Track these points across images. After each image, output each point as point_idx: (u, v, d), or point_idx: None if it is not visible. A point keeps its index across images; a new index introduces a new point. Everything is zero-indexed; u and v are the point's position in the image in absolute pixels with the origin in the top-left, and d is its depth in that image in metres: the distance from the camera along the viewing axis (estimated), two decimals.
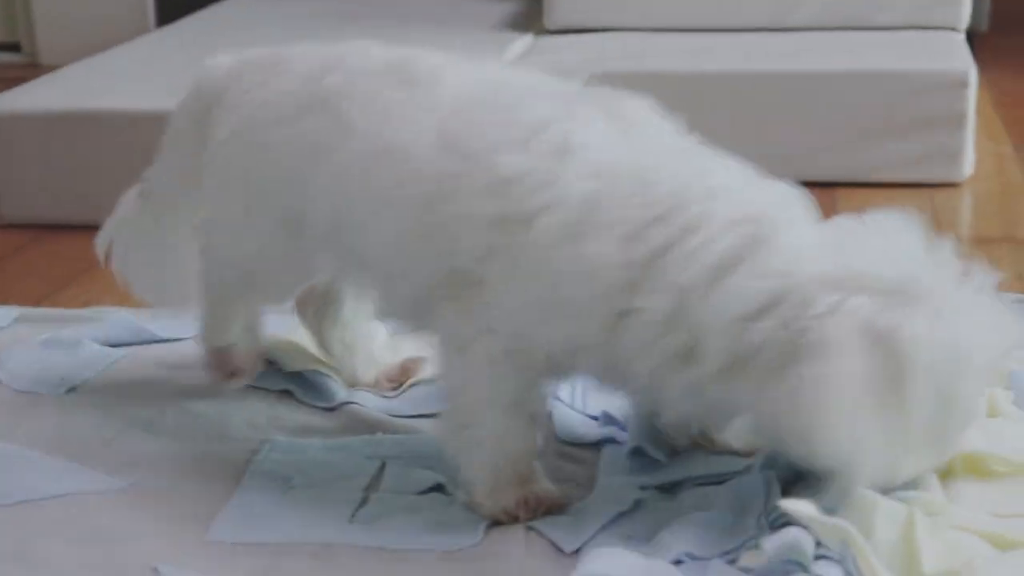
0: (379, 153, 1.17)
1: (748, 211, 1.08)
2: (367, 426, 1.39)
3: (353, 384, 1.46)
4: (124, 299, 1.76)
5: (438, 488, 1.23)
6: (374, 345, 1.49)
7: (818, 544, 1.00)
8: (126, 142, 2.05)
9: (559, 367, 1.19)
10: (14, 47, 3.32)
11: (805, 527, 1.03)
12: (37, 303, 1.80)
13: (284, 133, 1.25)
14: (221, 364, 1.41)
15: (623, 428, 1.32)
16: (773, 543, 1.01)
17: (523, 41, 2.57)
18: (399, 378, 1.47)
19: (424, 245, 1.15)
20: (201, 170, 1.36)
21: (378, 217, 1.18)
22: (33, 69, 2.80)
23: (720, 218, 1.07)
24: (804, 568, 0.97)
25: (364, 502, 1.21)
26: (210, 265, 1.40)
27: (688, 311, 1.05)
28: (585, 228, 1.07)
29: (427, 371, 1.48)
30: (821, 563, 0.97)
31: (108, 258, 1.46)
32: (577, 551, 1.09)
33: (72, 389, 1.49)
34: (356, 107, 1.21)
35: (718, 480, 1.21)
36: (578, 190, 1.08)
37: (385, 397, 1.46)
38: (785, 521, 1.06)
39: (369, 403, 1.44)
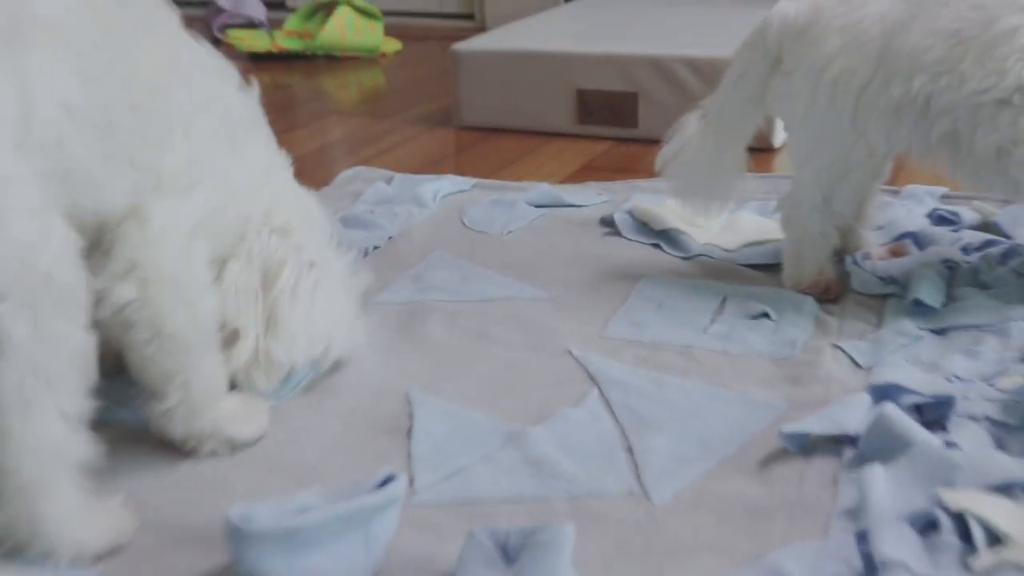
0: None
1: None
2: (716, 271, 1.58)
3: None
4: (546, 177, 2.13)
5: (765, 315, 1.41)
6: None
7: None
8: (542, 75, 2.40)
9: None
10: (470, 16, 3.81)
11: None
12: (486, 176, 2.06)
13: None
14: (820, 292, 1.47)
15: (905, 283, 1.45)
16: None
17: None
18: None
19: None
20: (763, 98, 1.47)
21: None
22: (482, 31, 3.23)
23: None
24: None
25: (713, 322, 1.40)
26: (797, 210, 1.47)
27: None
28: None
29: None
30: None
31: (665, 164, 1.57)
32: (870, 368, 1.26)
33: (509, 232, 1.77)
34: None
35: (979, 326, 1.33)
36: None
37: (725, 250, 1.64)
38: None
39: (715, 254, 1.63)
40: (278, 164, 1.30)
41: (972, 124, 1.31)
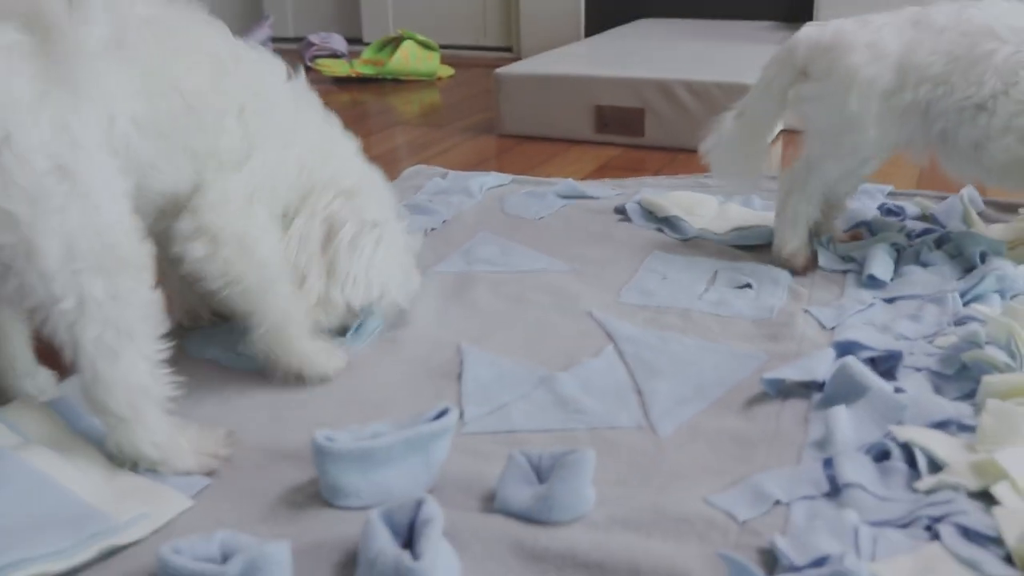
0: None
1: None
2: (709, 250, 1.57)
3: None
4: (570, 174, 2.13)
5: (748, 285, 1.42)
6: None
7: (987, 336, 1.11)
8: (567, 93, 2.39)
9: None
10: (508, 48, 3.79)
11: (982, 322, 1.16)
12: (522, 173, 2.07)
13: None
14: (797, 265, 1.47)
15: (861, 261, 1.45)
16: (958, 331, 1.16)
17: None
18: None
19: None
20: (785, 101, 1.48)
21: None
22: (518, 59, 3.22)
23: None
24: (979, 346, 1.10)
25: (706, 290, 1.40)
26: (801, 195, 1.47)
27: None
28: None
29: None
30: (990, 347, 1.09)
31: (707, 151, 1.56)
32: (833, 328, 1.26)
33: (541, 218, 1.75)
34: None
35: (921, 296, 1.33)
36: None
37: (716, 234, 1.62)
38: (969, 317, 1.22)
39: (708, 237, 1.62)
40: (341, 140, 1.29)
41: (957, 124, 1.39)
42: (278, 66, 1.20)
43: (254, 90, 1.12)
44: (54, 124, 0.85)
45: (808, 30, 1.48)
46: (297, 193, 1.20)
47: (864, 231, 1.60)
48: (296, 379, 1.15)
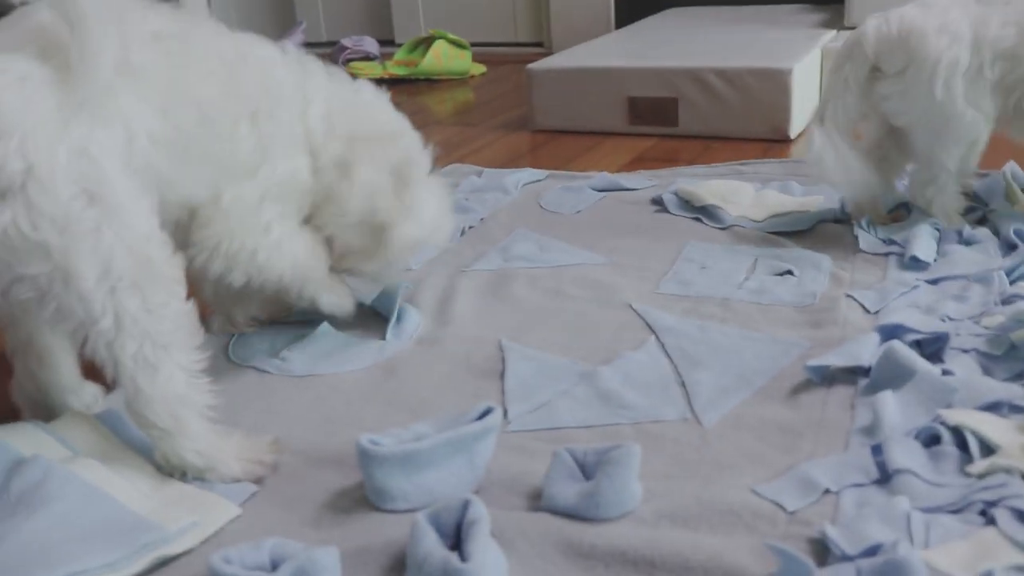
0: None
1: None
2: (748, 238, 1.55)
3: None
4: (605, 167, 2.13)
5: (789, 272, 1.39)
6: None
7: None
8: (599, 86, 2.38)
9: None
10: (539, 44, 3.78)
11: None
12: (557, 168, 2.06)
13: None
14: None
15: (903, 244, 1.43)
16: (1006, 311, 1.16)
17: (831, 34, 2.58)
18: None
19: None
20: (863, 96, 1.45)
21: None
22: (549, 55, 3.24)
23: None
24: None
25: (746, 279, 1.38)
26: (942, 178, 1.45)
27: None
28: None
29: None
30: None
31: (813, 169, 1.49)
32: (877, 312, 1.24)
33: (578, 212, 1.74)
34: None
35: (966, 276, 1.30)
36: None
37: (753, 221, 1.60)
38: (1016, 296, 1.21)
39: (746, 224, 1.59)
40: (370, 93, 1.29)
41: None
42: (274, 52, 1.18)
43: (263, 89, 1.11)
44: (74, 151, 0.85)
45: (873, 23, 1.46)
46: (335, 144, 1.19)
47: (904, 212, 1.57)
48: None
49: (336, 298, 1.25)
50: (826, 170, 1.48)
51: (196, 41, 1.05)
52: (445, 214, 1.31)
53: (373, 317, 1.34)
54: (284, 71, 1.16)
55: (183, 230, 1.07)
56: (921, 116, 1.44)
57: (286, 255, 1.15)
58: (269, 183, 1.12)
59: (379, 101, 1.29)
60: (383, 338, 1.27)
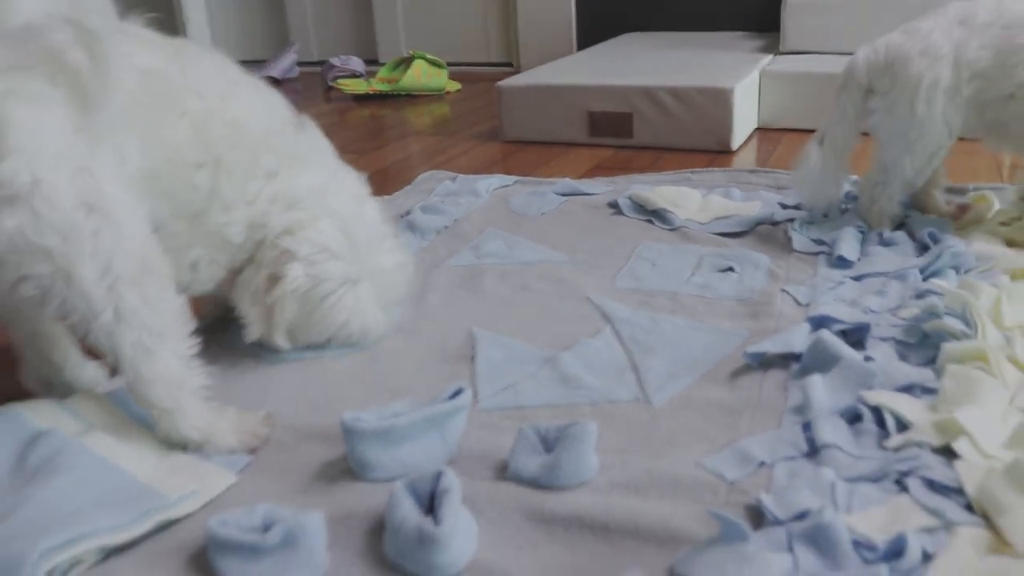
0: None
1: None
2: (694, 238, 1.54)
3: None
4: (567, 174, 2.12)
5: (731, 269, 1.39)
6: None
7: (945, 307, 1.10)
8: (562, 101, 2.41)
9: None
10: (509, 64, 3.77)
11: (940, 295, 1.16)
12: (524, 174, 2.06)
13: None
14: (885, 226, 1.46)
15: (831, 244, 1.44)
16: (919, 304, 1.16)
17: (768, 58, 2.60)
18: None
19: None
20: (862, 121, 1.46)
21: None
22: (518, 73, 3.28)
23: None
24: (938, 316, 1.09)
25: (692, 275, 1.38)
26: (894, 184, 1.45)
27: None
28: None
29: None
30: (948, 317, 1.08)
31: (797, 183, 1.52)
32: (808, 305, 1.25)
33: (543, 214, 1.73)
34: None
35: (886, 273, 1.31)
36: None
37: (700, 223, 1.60)
38: (928, 291, 1.21)
39: (693, 227, 1.59)
40: (312, 162, 1.19)
41: (997, 110, 1.41)
42: (274, 102, 1.15)
43: (231, 141, 1.06)
44: (76, 169, 0.85)
45: (863, 52, 1.47)
46: (252, 240, 1.14)
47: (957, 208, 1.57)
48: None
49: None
50: (805, 188, 1.51)
51: (178, 80, 1.03)
52: (360, 319, 1.19)
53: None
54: (265, 134, 1.11)
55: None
56: (898, 128, 1.44)
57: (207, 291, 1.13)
58: (207, 229, 1.08)
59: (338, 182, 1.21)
60: None
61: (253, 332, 1.14)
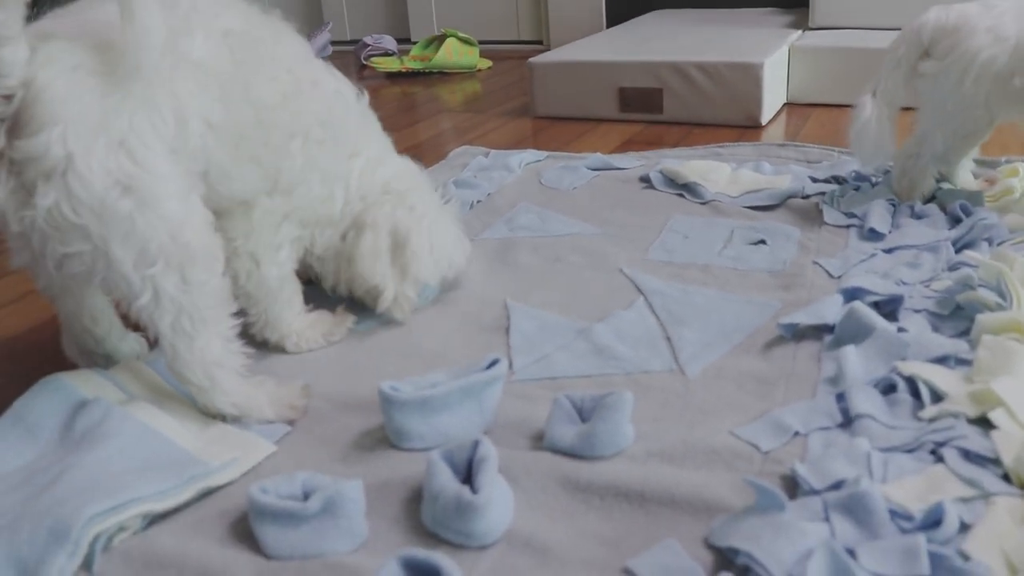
0: None
1: None
2: (725, 211, 1.52)
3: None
4: (598, 149, 2.11)
5: (762, 241, 1.37)
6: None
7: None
8: (593, 78, 2.39)
9: None
10: (539, 42, 3.73)
11: (974, 267, 1.14)
12: (556, 149, 2.04)
13: None
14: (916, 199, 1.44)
15: (862, 217, 1.42)
16: (952, 276, 1.14)
17: (797, 34, 2.58)
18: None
19: None
20: (910, 82, 1.40)
21: None
22: (548, 50, 3.25)
23: None
24: (972, 288, 1.07)
25: (724, 247, 1.36)
26: (924, 157, 1.42)
27: None
28: None
29: None
30: (982, 289, 1.06)
31: (856, 135, 1.44)
32: (840, 277, 1.23)
33: (574, 188, 1.71)
34: None
35: (917, 246, 1.29)
36: None
37: (730, 197, 1.57)
38: (961, 263, 1.19)
39: (723, 200, 1.57)
40: (387, 148, 1.23)
41: None
42: (349, 89, 1.15)
43: (322, 118, 1.07)
44: (112, 143, 0.81)
45: (935, 11, 1.41)
46: (355, 205, 1.17)
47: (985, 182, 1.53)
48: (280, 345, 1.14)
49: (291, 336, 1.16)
50: (864, 141, 1.44)
51: (266, 47, 1.00)
52: (455, 246, 1.25)
53: None
54: (347, 111, 1.13)
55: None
56: (940, 100, 1.40)
57: (274, 279, 1.09)
58: (299, 204, 1.08)
59: (388, 154, 1.24)
60: None
61: (389, 295, 1.16)
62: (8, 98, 0.78)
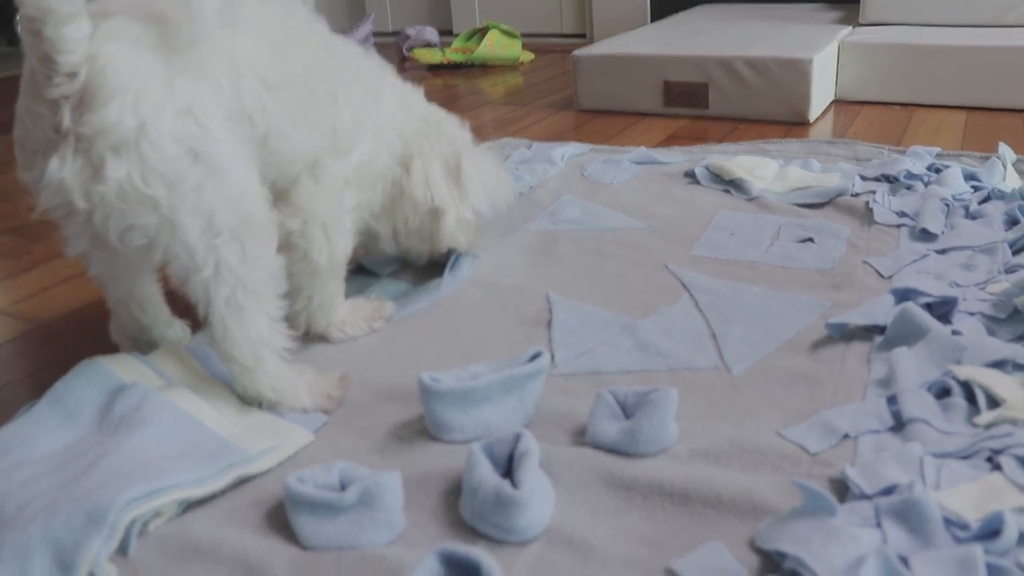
0: None
1: None
2: (772, 208, 1.50)
3: None
4: (642, 143, 2.10)
5: (810, 239, 1.34)
6: None
7: None
8: (637, 71, 2.36)
9: None
10: (582, 35, 3.71)
11: None
12: (599, 143, 2.03)
13: None
14: None
15: (914, 217, 1.39)
16: (1010, 278, 1.12)
17: (847, 30, 2.54)
18: None
19: None
20: None
21: None
22: (591, 43, 3.21)
23: None
24: None
25: (771, 244, 1.34)
26: None
27: None
28: None
29: None
30: None
31: None
32: (891, 277, 1.20)
33: (618, 182, 1.69)
34: None
35: (972, 247, 1.25)
36: None
37: (777, 193, 1.55)
38: (1019, 265, 1.16)
39: (770, 197, 1.54)
40: (415, 93, 1.28)
41: None
42: (356, 48, 1.16)
43: (355, 76, 1.09)
44: (180, 110, 0.82)
45: None
46: (379, 173, 1.18)
47: None
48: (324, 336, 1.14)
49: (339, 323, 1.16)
50: None
51: (294, 16, 1.02)
52: (500, 181, 1.29)
53: (427, 271, 1.33)
54: (368, 63, 1.16)
55: (276, 193, 1.04)
56: None
57: (342, 252, 1.10)
58: (355, 165, 1.09)
59: (416, 95, 1.27)
60: (438, 287, 1.25)
61: (451, 217, 1.21)
62: (72, 75, 0.78)
